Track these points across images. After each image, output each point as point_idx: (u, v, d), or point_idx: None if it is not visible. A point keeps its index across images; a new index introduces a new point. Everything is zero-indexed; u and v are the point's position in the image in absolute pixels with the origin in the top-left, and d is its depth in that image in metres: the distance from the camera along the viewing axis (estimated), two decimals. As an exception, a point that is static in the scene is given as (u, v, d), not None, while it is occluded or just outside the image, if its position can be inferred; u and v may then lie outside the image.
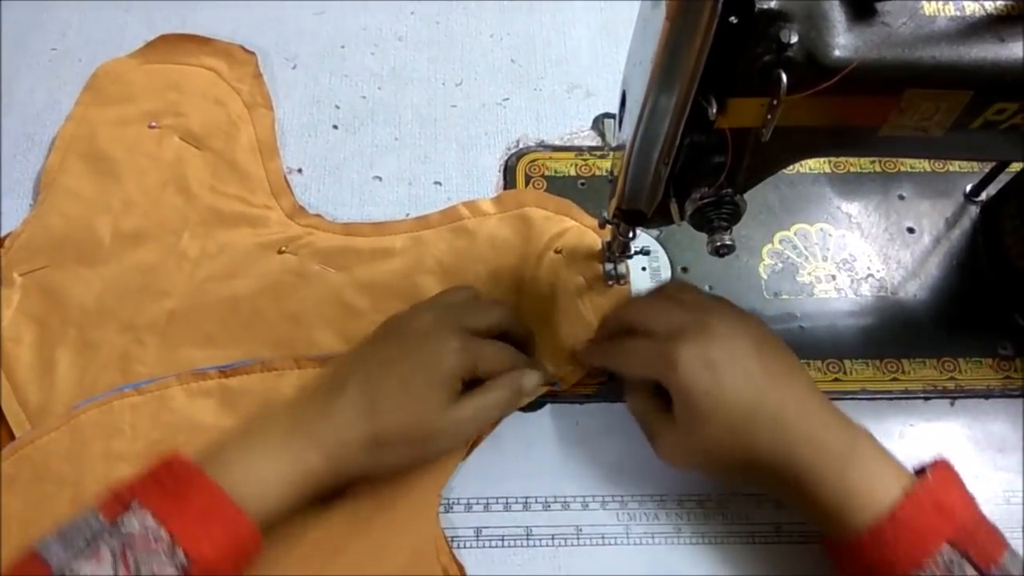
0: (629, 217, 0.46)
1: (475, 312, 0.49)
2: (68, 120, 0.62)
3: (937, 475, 0.41)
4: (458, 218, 0.58)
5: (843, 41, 0.35)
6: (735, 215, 0.42)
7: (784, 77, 0.34)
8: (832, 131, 0.39)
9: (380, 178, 0.61)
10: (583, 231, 0.57)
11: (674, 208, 0.43)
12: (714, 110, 0.36)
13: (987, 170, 0.58)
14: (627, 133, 0.41)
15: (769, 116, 0.36)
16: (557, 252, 0.56)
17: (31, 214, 0.57)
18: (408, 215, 0.59)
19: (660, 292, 0.49)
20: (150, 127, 0.61)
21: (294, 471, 0.42)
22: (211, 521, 0.39)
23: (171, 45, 0.65)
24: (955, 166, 0.61)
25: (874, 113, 0.38)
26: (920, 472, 0.42)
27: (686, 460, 0.46)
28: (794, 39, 0.34)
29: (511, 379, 0.48)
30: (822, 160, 0.61)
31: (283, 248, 0.56)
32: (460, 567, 0.46)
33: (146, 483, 0.40)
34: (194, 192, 0.58)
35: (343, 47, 0.67)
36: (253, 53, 0.65)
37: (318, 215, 0.58)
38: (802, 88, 0.35)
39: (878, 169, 0.61)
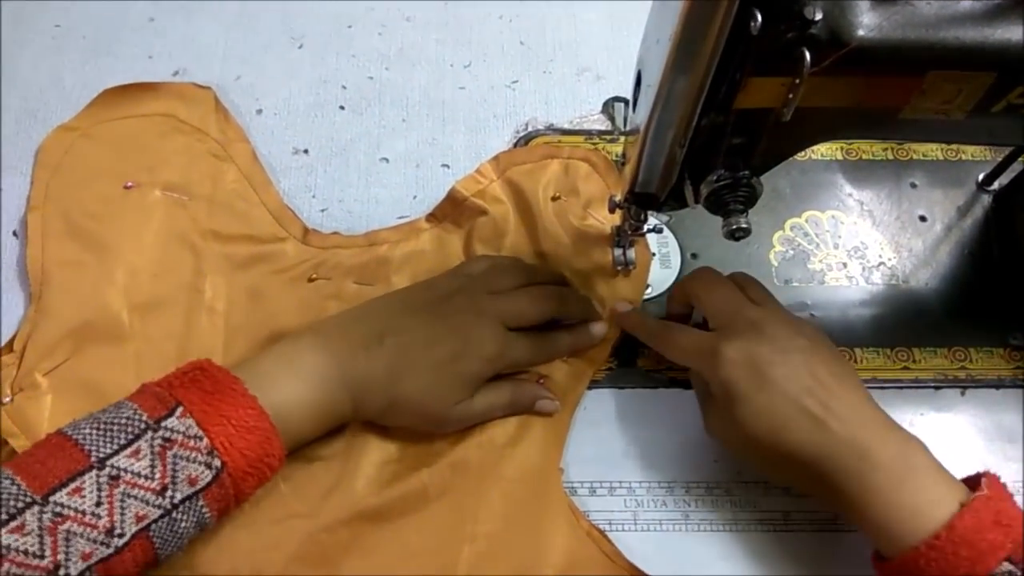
0: (641, 201, 0.46)
1: (503, 279, 0.50)
2: (31, 209, 0.55)
3: (993, 488, 0.40)
4: (463, 199, 0.56)
5: (867, 20, 0.35)
6: (751, 198, 0.41)
7: (807, 55, 0.33)
8: (852, 112, 0.38)
9: (387, 160, 0.60)
10: (565, 164, 0.57)
11: (689, 191, 0.43)
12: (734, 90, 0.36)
13: (1000, 158, 0.58)
14: (642, 114, 0.41)
15: (790, 95, 0.35)
16: (555, 199, 0.56)
17: (31, 310, 0.51)
18: (415, 198, 0.59)
19: (727, 277, 0.49)
20: (126, 187, 0.55)
21: (324, 401, 0.44)
22: (248, 433, 0.41)
23: (115, 99, 0.59)
24: (968, 154, 0.60)
25: (895, 94, 0.37)
26: (971, 485, 0.40)
27: (727, 444, 0.46)
28: (819, 16, 0.33)
29: (529, 391, 0.49)
30: (834, 146, 0.60)
31: (313, 275, 0.54)
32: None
33: (188, 388, 0.41)
34: (198, 244, 0.54)
35: (350, 27, 0.66)
36: (208, 88, 0.60)
37: (335, 232, 0.56)
38: (824, 68, 0.35)
39: (890, 157, 0.60)
